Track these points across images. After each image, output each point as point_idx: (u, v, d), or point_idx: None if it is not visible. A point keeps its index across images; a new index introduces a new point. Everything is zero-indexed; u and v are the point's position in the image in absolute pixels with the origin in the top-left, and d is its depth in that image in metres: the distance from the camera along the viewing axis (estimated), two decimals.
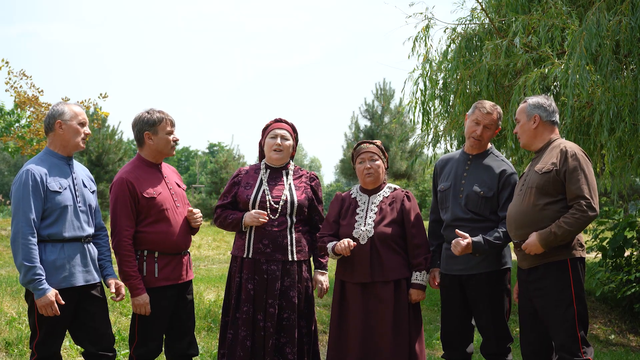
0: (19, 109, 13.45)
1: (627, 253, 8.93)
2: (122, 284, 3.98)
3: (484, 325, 4.15)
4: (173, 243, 4.11)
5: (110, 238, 4.07)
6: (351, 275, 4.18)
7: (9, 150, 13.69)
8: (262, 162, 4.51)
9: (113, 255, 4.06)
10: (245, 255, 4.30)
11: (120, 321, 6.22)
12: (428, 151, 8.81)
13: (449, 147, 8.14)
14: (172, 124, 4.18)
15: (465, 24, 7.82)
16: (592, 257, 9.75)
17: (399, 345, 4.08)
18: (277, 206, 4.30)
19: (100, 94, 12.81)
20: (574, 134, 6.51)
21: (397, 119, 22.61)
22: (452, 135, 7.88)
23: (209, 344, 5.98)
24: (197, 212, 4.24)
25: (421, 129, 8.06)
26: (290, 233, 4.31)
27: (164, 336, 4.24)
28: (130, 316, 5.61)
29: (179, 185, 4.29)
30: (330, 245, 4.19)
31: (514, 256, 4.42)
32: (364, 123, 24.99)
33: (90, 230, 3.90)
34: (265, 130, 4.50)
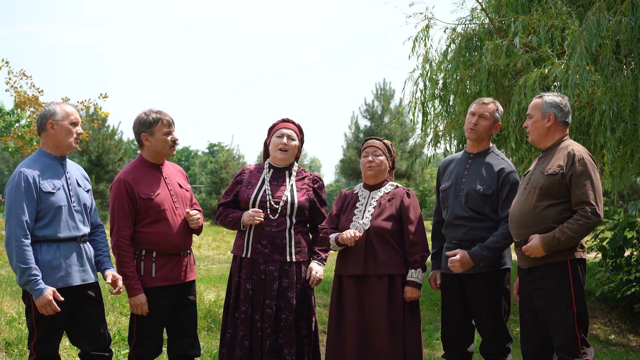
0: (19, 109, 13.44)
1: (627, 253, 8.92)
2: (119, 276, 3.96)
3: (483, 325, 4.15)
4: (171, 243, 4.11)
5: (108, 236, 4.07)
6: (346, 268, 4.20)
7: (9, 150, 13.68)
8: (266, 162, 4.50)
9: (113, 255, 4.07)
10: (244, 255, 4.29)
11: (120, 321, 6.22)
12: (428, 151, 8.82)
13: (448, 148, 8.14)
14: (170, 124, 4.16)
15: (465, 24, 7.82)
16: (592, 257, 9.75)
17: (394, 341, 4.08)
18: (277, 206, 4.29)
19: (100, 94, 12.80)
20: (574, 134, 6.51)
21: (397, 119, 22.62)
22: (452, 136, 7.88)
23: (209, 344, 5.98)
24: (195, 213, 4.22)
25: (421, 129, 8.07)
26: (290, 234, 4.30)
27: (166, 336, 4.25)
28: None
29: (181, 186, 4.27)
30: (333, 235, 4.20)
31: (514, 256, 4.42)
32: (364, 123, 24.98)
33: (86, 229, 3.90)
34: (272, 130, 4.48)
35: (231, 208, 4.43)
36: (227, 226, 4.39)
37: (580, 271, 3.81)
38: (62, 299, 3.67)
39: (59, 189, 3.80)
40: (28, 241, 3.64)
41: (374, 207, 4.25)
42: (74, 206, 3.84)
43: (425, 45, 7.58)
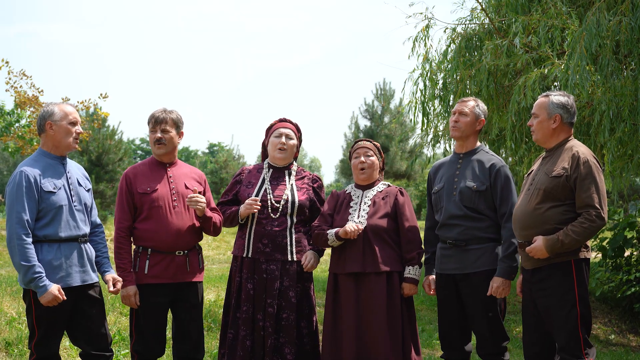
0: (19, 109, 13.41)
1: (627, 253, 8.93)
2: (119, 279, 4.00)
3: (479, 324, 4.14)
4: (163, 241, 4.12)
5: (108, 236, 4.10)
6: (343, 266, 4.20)
7: (9, 150, 13.66)
8: (265, 162, 4.51)
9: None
10: (245, 255, 4.30)
11: (120, 321, 6.22)
12: (428, 151, 8.83)
13: (448, 148, 8.15)
14: (158, 122, 4.18)
15: (465, 24, 7.82)
16: (592, 257, 9.75)
17: (393, 339, 4.08)
18: (277, 205, 4.30)
19: (101, 94, 12.77)
20: (573, 134, 6.50)
21: (397, 119, 22.62)
22: None
23: (209, 344, 5.98)
24: (193, 195, 4.13)
25: (421, 129, 8.06)
26: (290, 233, 4.31)
27: (170, 337, 4.27)
28: None
29: (187, 188, 4.25)
30: (332, 230, 4.20)
31: None
32: (364, 123, 24.98)
33: (86, 229, 3.91)
34: (270, 130, 4.50)
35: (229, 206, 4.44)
36: (226, 222, 4.40)
37: (584, 271, 3.79)
38: (65, 298, 3.68)
39: (60, 188, 3.81)
40: (30, 239, 3.65)
41: (368, 206, 4.27)
42: (74, 205, 3.85)
43: (425, 45, 7.58)
